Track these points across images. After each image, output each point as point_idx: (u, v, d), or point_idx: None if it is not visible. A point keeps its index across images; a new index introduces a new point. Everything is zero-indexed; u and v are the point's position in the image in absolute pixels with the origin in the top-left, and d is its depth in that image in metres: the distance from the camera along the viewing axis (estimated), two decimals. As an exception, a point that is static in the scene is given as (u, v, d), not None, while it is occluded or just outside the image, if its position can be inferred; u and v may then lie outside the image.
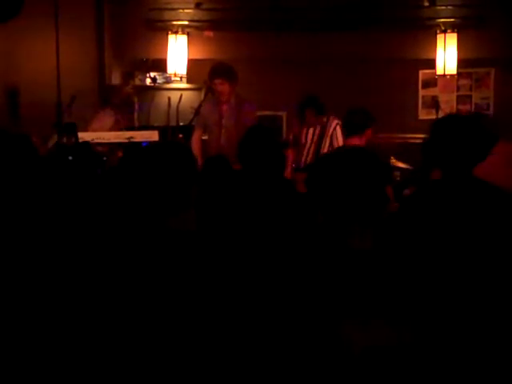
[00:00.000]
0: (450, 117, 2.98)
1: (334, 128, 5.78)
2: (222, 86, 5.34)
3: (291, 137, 6.12)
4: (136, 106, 7.08)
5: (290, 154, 5.92)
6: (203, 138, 5.66)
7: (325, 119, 5.79)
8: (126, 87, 6.60)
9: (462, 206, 2.49)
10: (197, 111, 5.38)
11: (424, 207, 2.55)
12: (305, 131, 5.94)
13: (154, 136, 5.22)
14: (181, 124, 6.22)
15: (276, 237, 2.85)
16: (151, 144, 5.02)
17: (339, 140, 5.66)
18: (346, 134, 4.56)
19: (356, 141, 4.32)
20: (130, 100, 6.28)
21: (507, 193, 2.54)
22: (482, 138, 2.58)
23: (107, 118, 5.87)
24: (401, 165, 5.70)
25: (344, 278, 2.14)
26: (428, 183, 2.96)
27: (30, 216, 2.50)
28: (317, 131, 5.86)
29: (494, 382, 2.10)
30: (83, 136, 4.85)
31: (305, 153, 5.91)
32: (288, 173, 5.70)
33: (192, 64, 7.29)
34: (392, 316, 2.09)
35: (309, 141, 5.88)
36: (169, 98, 6.05)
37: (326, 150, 5.73)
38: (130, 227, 2.39)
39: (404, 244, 2.42)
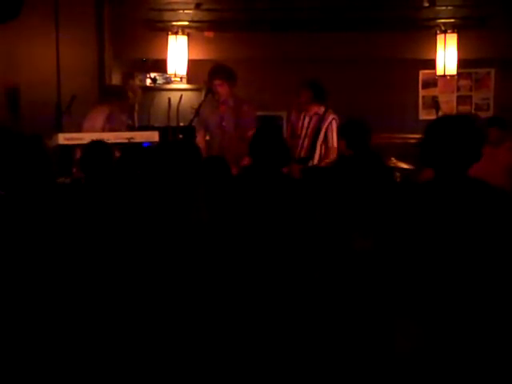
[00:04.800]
0: (444, 118, 2.99)
1: (330, 122, 5.67)
2: (221, 87, 5.37)
3: (289, 128, 6.05)
4: (136, 107, 7.06)
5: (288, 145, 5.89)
6: (206, 138, 5.66)
7: (323, 109, 5.70)
8: (133, 85, 6.54)
9: (456, 205, 2.50)
10: (197, 112, 5.38)
11: (419, 208, 2.56)
12: (301, 121, 5.84)
13: (154, 136, 5.22)
14: (181, 124, 6.22)
15: (278, 235, 2.86)
16: (157, 143, 5.03)
17: (334, 135, 5.58)
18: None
19: None
20: (136, 98, 6.23)
21: (501, 191, 2.56)
22: (476, 138, 2.59)
23: (98, 116, 5.83)
24: (401, 165, 5.68)
25: (346, 277, 2.14)
26: (422, 183, 2.97)
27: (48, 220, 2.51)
28: (312, 123, 5.76)
29: (494, 381, 2.11)
30: (84, 136, 4.85)
31: (300, 144, 5.85)
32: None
33: (192, 64, 7.28)
34: (393, 316, 2.09)
35: (303, 133, 5.80)
36: (169, 99, 6.05)
37: (320, 143, 5.65)
38: (146, 224, 2.40)
39: (400, 245, 2.43)
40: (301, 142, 5.81)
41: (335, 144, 5.47)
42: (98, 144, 4.01)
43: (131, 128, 6.31)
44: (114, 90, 6.21)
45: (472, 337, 2.19)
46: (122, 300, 2.21)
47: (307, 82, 5.76)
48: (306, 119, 5.81)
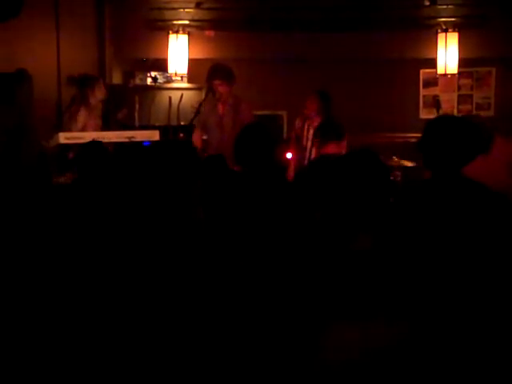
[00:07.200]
0: (441, 117, 2.99)
1: None
2: (222, 87, 5.39)
3: (293, 135, 6.11)
4: (136, 106, 7.05)
5: (293, 153, 5.93)
6: (203, 137, 5.67)
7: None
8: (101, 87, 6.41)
9: (451, 205, 2.50)
10: (197, 110, 5.39)
11: (414, 207, 2.56)
12: (305, 132, 5.92)
13: (154, 136, 5.22)
14: (182, 123, 6.23)
15: (275, 235, 2.85)
16: (153, 143, 5.02)
17: None
18: (324, 141, 4.33)
19: (334, 148, 4.16)
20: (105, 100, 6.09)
21: (494, 192, 2.55)
22: (471, 138, 2.59)
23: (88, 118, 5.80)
24: (403, 163, 5.70)
25: (344, 278, 2.13)
26: (419, 183, 2.97)
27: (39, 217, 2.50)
28: None
29: (492, 381, 2.10)
30: (85, 136, 4.85)
31: (307, 155, 5.90)
32: (291, 171, 5.71)
33: (193, 63, 7.28)
34: (391, 316, 2.09)
35: (309, 144, 5.86)
36: (169, 98, 6.06)
37: None
38: (141, 223, 2.39)
39: (398, 244, 2.42)
40: (307, 153, 5.86)
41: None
42: (93, 144, 4.02)
43: (132, 127, 6.31)
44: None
45: (471, 336, 2.18)
46: (117, 298, 2.20)
47: (316, 92, 5.84)
48: (310, 131, 5.87)
